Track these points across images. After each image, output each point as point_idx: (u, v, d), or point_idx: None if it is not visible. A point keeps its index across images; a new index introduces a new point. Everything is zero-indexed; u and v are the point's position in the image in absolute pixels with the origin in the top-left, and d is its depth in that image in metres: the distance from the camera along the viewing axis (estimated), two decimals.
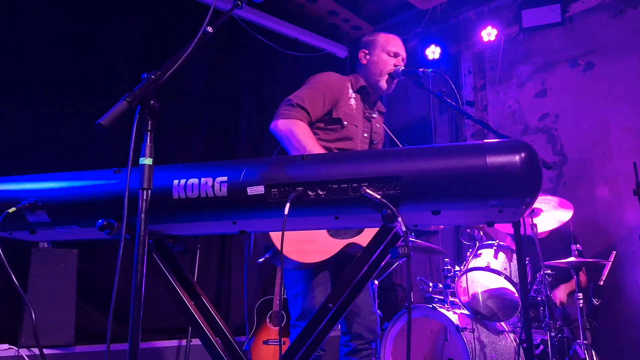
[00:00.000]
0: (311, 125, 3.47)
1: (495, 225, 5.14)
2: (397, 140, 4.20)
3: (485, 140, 1.93)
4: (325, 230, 3.29)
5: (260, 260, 3.17)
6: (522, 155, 1.83)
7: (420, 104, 8.47)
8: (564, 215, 5.22)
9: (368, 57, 3.80)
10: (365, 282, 2.18)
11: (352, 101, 3.65)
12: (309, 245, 3.22)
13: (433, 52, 7.79)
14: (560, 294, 5.41)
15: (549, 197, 5.26)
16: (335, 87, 3.59)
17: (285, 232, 3.14)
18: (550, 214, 5.23)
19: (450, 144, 1.86)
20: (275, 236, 3.14)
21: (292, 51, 7.66)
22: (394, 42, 3.78)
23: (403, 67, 3.73)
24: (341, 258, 3.32)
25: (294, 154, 3.19)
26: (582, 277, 5.38)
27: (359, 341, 3.54)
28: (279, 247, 3.08)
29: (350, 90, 3.67)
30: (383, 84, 3.74)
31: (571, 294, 5.53)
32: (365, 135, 3.72)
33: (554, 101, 7.09)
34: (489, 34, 7.39)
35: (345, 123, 3.55)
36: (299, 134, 3.29)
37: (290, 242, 3.17)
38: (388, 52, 3.74)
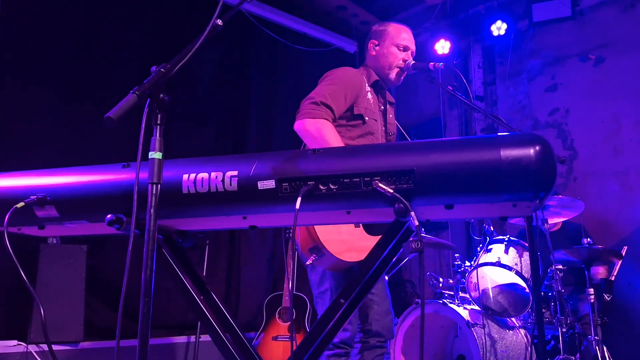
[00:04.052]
0: (334, 122, 3.39)
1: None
2: (406, 135, 4.16)
3: (499, 134, 1.91)
4: (361, 228, 3.19)
5: (308, 263, 3.06)
6: (537, 148, 1.80)
7: (430, 99, 8.44)
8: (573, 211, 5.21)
9: (377, 48, 3.74)
10: (378, 277, 2.15)
11: (369, 95, 3.60)
12: (354, 244, 3.08)
13: (442, 46, 7.76)
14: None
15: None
16: (356, 83, 3.52)
17: (335, 230, 3.08)
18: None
19: (464, 137, 1.81)
20: (324, 239, 2.98)
21: (301, 46, 7.64)
22: (404, 35, 3.72)
23: (414, 62, 3.69)
24: None
25: None
26: (602, 270, 5.32)
27: (378, 338, 3.51)
28: (329, 248, 2.96)
29: (366, 85, 3.63)
30: (393, 76, 3.69)
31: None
32: (383, 128, 3.69)
33: (564, 96, 7.05)
34: (498, 28, 7.36)
35: (367, 118, 3.50)
36: (326, 135, 3.21)
37: (339, 241, 3.04)
38: (398, 45, 3.68)
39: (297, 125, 3.32)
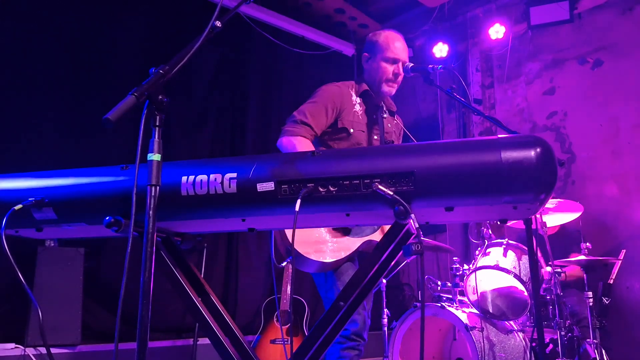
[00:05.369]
0: (319, 137, 3.56)
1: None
2: (414, 139, 4.16)
3: (499, 136, 1.90)
4: (341, 229, 3.29)
5: (282, 264, 3.15)
6: (538, 150, 1.79)
7: (428, 102, 8.44)
8: (571, 215, 5.21)
9: (369, 62, 3.79)
10: (378, 280, 2.15)
11: (357, 107, 3.68)
12: (326, 244, 3.22)
13: (440, 50, 7.76)
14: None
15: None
16: (337, 98, 3.61)
17: (304, 234, 3.14)
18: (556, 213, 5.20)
19: (464, 139, 1.80)
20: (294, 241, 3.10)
21: (298, 49, 7.63)
22: (393, 47, 3.72)
23: (412, 64, 3.70)
24: (361, 256, 3.39)
25: None
26: (577, 270, 5.30)
27: (358, 340, 3.48)
28: (298, 249, 3.08)
29: (354, 97, 3.69)
30: (385, 89, 3.73)
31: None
32: (376, 137, 3.71)
33: (563, 99, 7.05)
34: (497, 31, 7.36)
35: (351, 130, 3.59)
36: (299, 149, 3.33)
37: (309, 242, 3.17)
38: (386, 59, 3.70)
39: (278, 143, 3.51)
